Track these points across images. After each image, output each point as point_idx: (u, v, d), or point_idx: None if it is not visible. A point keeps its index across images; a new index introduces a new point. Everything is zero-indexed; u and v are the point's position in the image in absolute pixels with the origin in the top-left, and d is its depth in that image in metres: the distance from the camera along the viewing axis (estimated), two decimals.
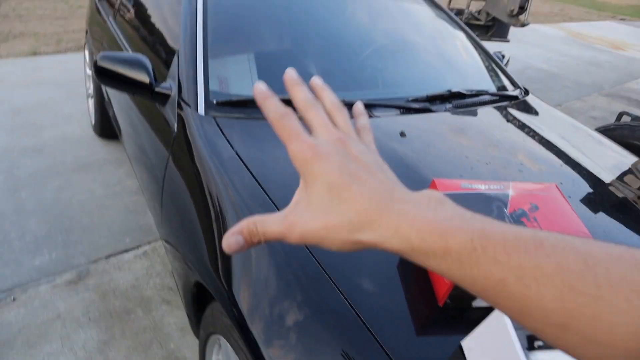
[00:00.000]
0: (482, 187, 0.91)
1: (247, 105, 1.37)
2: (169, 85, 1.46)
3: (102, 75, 1.44)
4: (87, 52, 3.13)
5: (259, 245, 0.44)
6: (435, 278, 0.86)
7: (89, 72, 3.07)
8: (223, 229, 1.07)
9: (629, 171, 1.52)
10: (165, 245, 1.54)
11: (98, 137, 3.02)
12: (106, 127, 2.82)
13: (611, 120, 4.63)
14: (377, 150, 0.41)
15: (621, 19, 14.83)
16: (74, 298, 1.85)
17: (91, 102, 3.10)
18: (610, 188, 1.39)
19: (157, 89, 1.44)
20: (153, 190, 1.59)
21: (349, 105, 1.39)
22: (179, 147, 1.33)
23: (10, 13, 5.93)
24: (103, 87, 2.59)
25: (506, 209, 0.87)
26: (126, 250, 2.10)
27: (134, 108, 1.86)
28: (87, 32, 3.08)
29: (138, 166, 1.91)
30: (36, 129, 3.09)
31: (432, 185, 0.91)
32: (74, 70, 4.18)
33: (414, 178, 1.14)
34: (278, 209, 1.01)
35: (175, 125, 1.37)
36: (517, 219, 0.86)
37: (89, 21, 2.98)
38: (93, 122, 3.00)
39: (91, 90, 3.05)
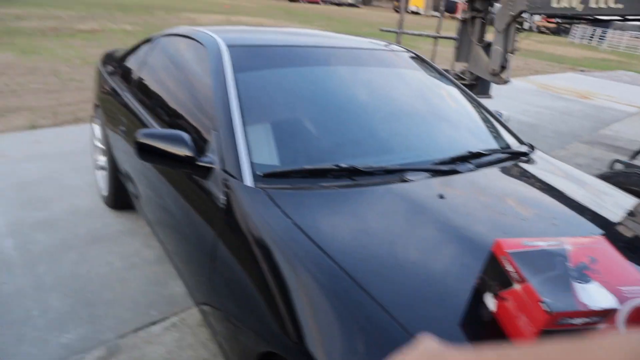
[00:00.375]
0: (542, 244, 0.99)
1: (291, 176, 1.45)
2: (211, 159, 1.53)
3: (143, 151, 1.52)
4: (96, 126, 3.21)
5: None
6: (515, 333, 0.92)
7: (99, 144, 3.14)
8: (288, 297, 1.11)
9: (633, 213, 1.69)
10: (213, 316, 1.55)
11: (109, 208, 3.04)
12: (120, 199, 2.85)
13: (595, 166, 4.88)
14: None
15: (580, 70, 15.79)
16: None
17: (100, 174, 3.15)
18: (619, 228, 1.52)
19: (199, 163, 1.52)
20: (194, 261, 1.62)
21: (386, 171, 1.49)
22: (229, 218, 1.39)
23: (4, 88, 6.02)
24: (118, 159, 2.65)
25: (568, 263, 0.95)
26: (153, 323, 2.09)
27: (162, 180, 1.92)
28: (96, 106, 3.17)
29: (169, 236, 1.95)
30: (45, 202, 3.10)
31: (496, 245, 0.99)
32: (74, 142, 4.23)
33: (464, 237, 1.22)
34: (349, 275, 1.07)
35: (222, 197, 1.44)
36: (580, 271, 0.94)
37: (99, 96, 3.08)
38: (105, 194, 3.03)
39: (101, 162, 3.10)
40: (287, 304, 1.12)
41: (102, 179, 3.12)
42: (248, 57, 1.87)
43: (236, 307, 1.34)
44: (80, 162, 3.78)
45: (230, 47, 1.87)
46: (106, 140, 2.85)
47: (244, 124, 1.56)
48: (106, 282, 2.34)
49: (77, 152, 4.00)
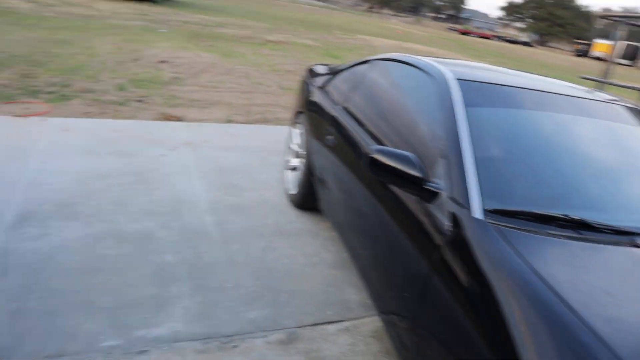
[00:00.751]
0: None
1: (515, 216, 1.44)
2: (438, 185, 1.59)
3: (374, 165, 1.63)
4: (295, 131, 3.53)
5: None
6: None
7: (295, 147, 3.45)
8: (511, 335, 1.11)
9: None
10: (406, 330, 1.59)
11: (293, 206, 3.32)
12: (307, 201, 3.09)
13: None
14: None
15: None
16: (286, 359, 1.98)
17: (290, 174, 3.45)
18: None
19: (426, 186, 1.59)
20: (396, 273, 1.69)
21: (615, 231, 1.39)
22: (453, 243, 1.42)
23: (207, 84, 6.96)
24: (316, 165, 2.88)
25: None
26: (329, 322, 2.22)
27: (366, 193, 2.04)
28: (299, 112, 3.49)
29: (363, 243, 2.06)
30: (238, 189, 3.49)
31: None
32: (262, 141, 4.70)
33: None
34: (590, 329, 1.03)
35: (447, 223, 1.48)
36: None
37: (305, 105, 3.38)
38: (292, 193, 3.31)
39: (294, 164, 3.40)
40: (509, 340, 1.11)
41: (291, 179, 3.42)
42: (477, 92, 1.91)
43: (443, 328, 1.36)
44: (268, 159, 4.19)
45: (460, 80, 1.93)
46: (307, 146, 3.12)
47: (474, 156, 1.60)
48: (289, 273, 2.55)
49: (264, 149, 4.43)
